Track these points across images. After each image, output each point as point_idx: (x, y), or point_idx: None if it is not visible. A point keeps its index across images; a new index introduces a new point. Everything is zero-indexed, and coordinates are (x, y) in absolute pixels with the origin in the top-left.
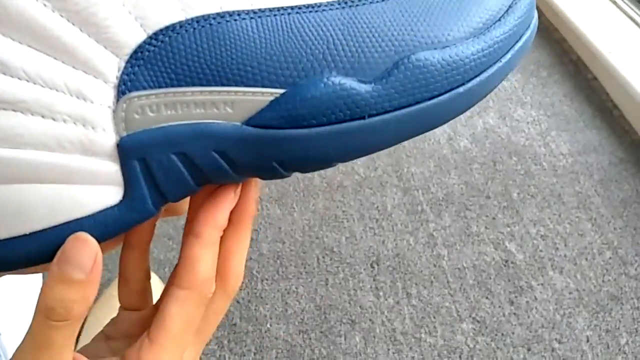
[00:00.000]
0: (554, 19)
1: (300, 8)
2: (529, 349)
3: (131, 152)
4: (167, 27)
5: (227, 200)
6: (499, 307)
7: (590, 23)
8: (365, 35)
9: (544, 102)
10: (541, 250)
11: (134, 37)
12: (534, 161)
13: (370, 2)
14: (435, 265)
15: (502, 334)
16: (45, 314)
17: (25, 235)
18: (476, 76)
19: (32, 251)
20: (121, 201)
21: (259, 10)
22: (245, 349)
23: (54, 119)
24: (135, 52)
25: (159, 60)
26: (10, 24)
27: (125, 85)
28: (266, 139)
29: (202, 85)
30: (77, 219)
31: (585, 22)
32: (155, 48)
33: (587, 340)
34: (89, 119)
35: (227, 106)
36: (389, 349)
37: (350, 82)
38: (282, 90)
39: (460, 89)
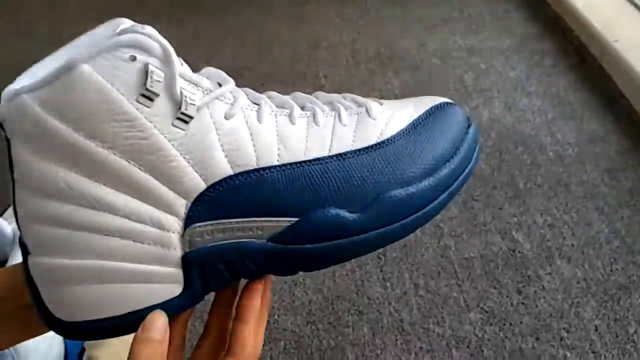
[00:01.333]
0: (558, 8)
1: (310, 161)
2: (537, 338)
3: (192, 263)
4: (220, 180)
5: (260, 292)
6: (507, 296)
7: (595, 12)
8: (354, 179)
9: (550, 91)
10: (548, 240)
11: (198, 187)
12: (540, 151)
13: (358, 155)
14: (443, 256)
15: (510, 324)
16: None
17: (113, 317)
18: (430, 202)
19: (116, 327)
20: (181, 294)
21: (283, 164)
22: None
23: (141, 243)
24: (198, 197)
25: (215, 202)
26: (113, 179)
27: (191, 219)
28: (284, 251)
29: (243, 217)
30: (152, 305)
31: (591, 11)
32: (212, 194)
33: (596, 330)
34: (165, 242)
35: (259, 230)
36: (397, 340)
37: (342, 212)
38: (296, 219)
39: (419, 213)
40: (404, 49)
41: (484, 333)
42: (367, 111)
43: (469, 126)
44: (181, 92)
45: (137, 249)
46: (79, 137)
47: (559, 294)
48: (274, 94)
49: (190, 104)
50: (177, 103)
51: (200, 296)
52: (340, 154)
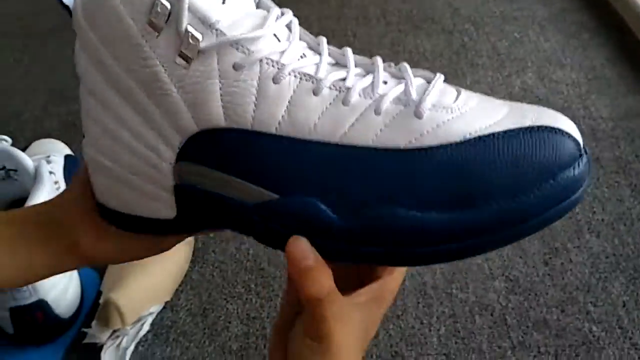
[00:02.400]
0: None
1: (309, 142)
2: (562, 310)
3: (182, 195)
4: (212, 129)
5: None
6: (533, 267)
7: None
8: (354, 177)
9: (585, 64)
10: (578, 213)
11: (190, 128)
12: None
13: (370, 152)
14: None
15: (536, 294)
16: (312, 303)
17: (127, 214)
18: (448, 242)
19: (132, 223)
20: (174, 218)
21: (279, 135)
22: (272, 293)
23: (138, 159)
24: (190, 137)
25: (203, 148)
26: (125, 95)
27: (181, 156)
28: (263, 224)
29: (226, 172)
30: (152, 218)
31: None
32: (202, 140)
33: (624, 305)
34: (158, 168)
35: (244, 193)
36: (418, 302)
37: (325, 209)
38: (277, 196)
39: (424, 249)
40: (437, 13)
41: (508, 302)
42: (419, 102)
43: (578, 164)
44: (186, 30)
45: (135, 164)
46: (103, 49)
47: (587, 267)
48: (333, 49)
49: (193, 44)
50: (180, 40)
51: (193, 228)
52: (350, 146)
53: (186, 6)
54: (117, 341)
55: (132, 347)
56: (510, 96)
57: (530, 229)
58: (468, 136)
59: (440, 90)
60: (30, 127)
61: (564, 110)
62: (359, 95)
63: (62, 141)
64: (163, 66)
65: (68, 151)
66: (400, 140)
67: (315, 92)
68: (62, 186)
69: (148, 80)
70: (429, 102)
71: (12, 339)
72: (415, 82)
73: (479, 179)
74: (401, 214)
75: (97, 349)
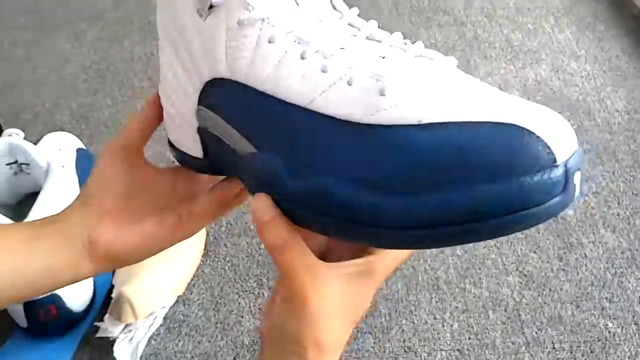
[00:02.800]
0: None
1: (285, 103)
2: (577, 306)
3: (204, 138)
4: (220, 78)
5: None
6: (547, 262)
7: None
8: (307, 143)
9: (600, 56)
10: (593, 208)
11: (205, 75)
12: (588, 117)
13: (332, 121)
14: None
15: (550, 289)
16: (272, 252)
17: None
18: (391, 228)
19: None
20: (203, 158)
21: (262, 92)
22: None
23: (172, 95)
24: (206, 83)
25: (213, 95)
26: (166, 33)
27: (200, 100)
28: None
29: (228, 122)
30: (187, 153)
31: None
32: (213, 87)
33: None
34: (184, 110)
35: (236, 142)
36: (431, 297)
37: (282, 169)
38: (255, 150)
39: (359, 227)
40: (449, 4)
41: (522, 297)
42: (386, 78)
43: (552, 167)
44: None
45: (176, 103)
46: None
47: (602, 263)
48: (361, 22)
49: (205, 1)
50: None
51: (219, 171)
52: (317, 112)
53: None
54: (130, 335)
55: (144, 341)
56: (524, 89)
57: (480, 231)
58: (424, 120)
59: (423, 70)
60: (42, 120)
61: (578, 104)
62: (339, 65)
63: (74, 134)
64: (187, 16)
65: (80, 144)
66: (359, 113)
67: (302, 56)
68: (74, 180)
69: (180, 29)
70: (398, 80)
71: (26, 333)
72: (408, 60)
73: (420, 165)
74: (339, 187)
75: (110, 342)
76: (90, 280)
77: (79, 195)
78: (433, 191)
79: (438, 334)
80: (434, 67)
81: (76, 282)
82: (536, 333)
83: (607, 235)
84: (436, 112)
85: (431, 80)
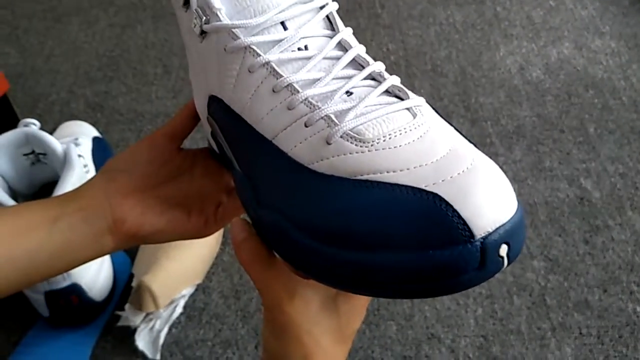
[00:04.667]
0: None
1: (254, 132)
2: (605, 290)
3: (214, 140)
4: (215, 95)
5: None
6: (573, 245)
7: None
8: (268, 174)
9: (625, 32)
10: (619, 189)
11: (209, 90)
12: (613, 95)
13: (283, 159)
14: None
15: (576, 274)
16: (246, 269)
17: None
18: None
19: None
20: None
21: (242, 118)
22: None
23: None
24: (210, 97)
25: (211, 108)
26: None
27: (208, 109)
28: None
29: (223, 135)
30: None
31: None
32: (211, 102)
33: None
34: (204, 115)
35: (231, 157)
36: None
37: (252, 197)
38: (239, 170)
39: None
40: None
41: (547, 282)
42: (334, 127)
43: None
44: (196, 10)
45: (195, 99)
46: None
47: (629, 246)
48: (347, 42)
49: (196, 25)
50: (192, 18)
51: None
52: (276, 148)
53: None
54: (151, 324)
55: (165, 330)
56: (547, 67)
57: (395, 292)
58: (359, 177)
59: (379, 116)
60: (57, 109)
61: (603, 82)
62: (303, 103)
63: (89, 123)
64: (189, 35)
65: (95, 133)
66: (305, 157)
67: (275, 89)
68: (91, 169)
69: (186, 44)
70: (345, 129)
71: (47, 322)
72: (374, 102)
73: (346, 220)
74: (285, 226)
75: (131, 331)
76: (110, 269)
77: (102, 170)
78: (358, 250)
79: (462, 320)
80: (390, 114)
81: (96, 258)
82: (562, 318)
83: (635, 217)
84: (370, 168)
85: (378, 131)
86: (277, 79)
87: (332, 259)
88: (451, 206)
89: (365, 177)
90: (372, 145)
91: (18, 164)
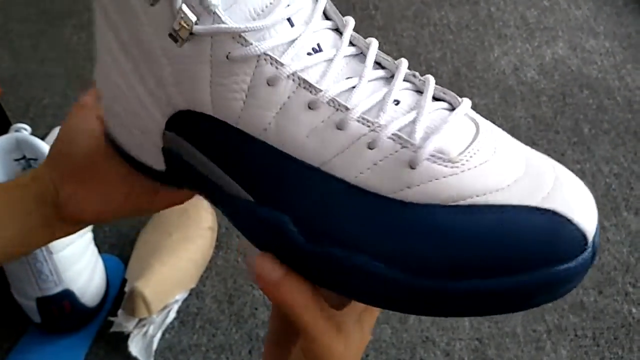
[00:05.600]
0: None
1: (290, 157)
2: (600, 292)
3: (169, 157)
4: (202, 113)
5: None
6: None
7: None
8: (325, 206)
9: (619, 32)
10: (614, 190)
11: (179, 104)
12: (607, 95)
13: (352, 189)
14: None
15: None
16: (292, 311)
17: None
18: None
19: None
20: (164, 171)
21: (263, 142)
22: None
23: (134, 109)
24: (179, 112)
25: (190, 126)
26: (125, 45)
27: (169, 125)
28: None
29: (209, 158)
30: (144, 163)
31: None
32: (192, 119)
33: None
34: (147, 128)
35: (220, 180)
36: None
37: (292, 227)
38: (252, 199)
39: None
40: None
41: None
42: (417, 148)
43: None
44: (180, 9)
45: (132, 108)
46: (111, 8)
47: (625, 247)
48: (358, 38)
49: (185, 26)
50: (173, 18)
51: (182, 186)
52: (330, 175)
53: None
54: (144, 330)
55: (158, 335)
56: (542, 67)
57: (503, 310)
58: (461, 202)
59: (452, 129)
60: (50, 113)
61: (597, 82)
62: (358, 120)
63: None
64: (157, 37)
65: None
66: (384, 186)
67: (311, 106)
68: None
69: (144, 48)
70: (430, 149)
71: (39, 329)
72: (431, 109)
73: (455, 250)
74: (360, 261)
75: (125, 337)
76: (103, 275)
77: (48, 154)
78: (470, 278)
79: (457, 322)
80: (460, 123)
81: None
82: (558, 320)
83: (630, 217)
84: (471, 191)
85: (461, 147)
86: (312, 93)
87: (435, 291)
88: (569, 220)
89: (468, 201)
90: (463, 165)
91: (9, 169)
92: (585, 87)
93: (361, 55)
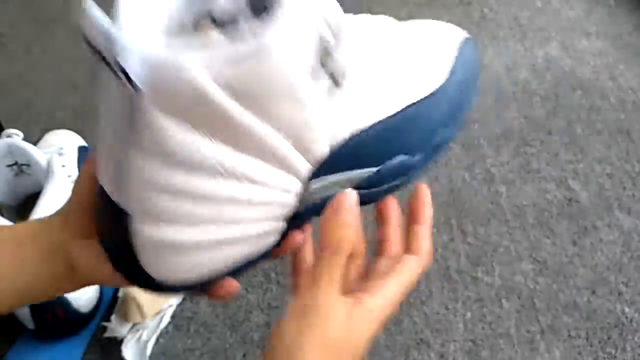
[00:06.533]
0: None
1: (379, 121)
2: (593, 292)
3: (298, 216)
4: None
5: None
6: (561, 247)
7: None
8: (415, 130)
9: (612, 32)
10: (607, 190)
11: (324, 152)
12: (600, 96)
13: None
14: (493, 203)
15: (565, 276)
16: (329, 250)
17: (210, 276)
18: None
19: (211, 283)
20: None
21: (371, 125)
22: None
23: (266, 205)
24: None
25: (326, 161)
26: (256, 148)
27: (309, 179)
28: (366, 194)
29: (340, 171)
30: (249, 261)
31: None
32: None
33: None
34: (286, 203)
35: (348, 183)
36: (443, 287)
37: (405, 158)
38: (377, 168)
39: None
40: None
41: (536, 284)
42: None
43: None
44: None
45: (259, 212)
46: (243, 112)
47: (618, 246)
48: None
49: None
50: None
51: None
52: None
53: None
54: (138, 335)
55: (153, 340)
56: (534, 68)
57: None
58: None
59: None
60: (43, 118)
61: (590, 82)
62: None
63: (75, 131)
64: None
65: (81, 142)
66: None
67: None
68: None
69: (298, 125)
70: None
71: (33, 335)
72: None
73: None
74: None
75: (119, 342)
76: None
77: (60, 212)
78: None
79: (451, 324)
80: None
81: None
82: (551, 321)
83: (623, 217)
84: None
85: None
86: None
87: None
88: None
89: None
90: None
91: (1, 175)
92: (578, 88)
93: None
